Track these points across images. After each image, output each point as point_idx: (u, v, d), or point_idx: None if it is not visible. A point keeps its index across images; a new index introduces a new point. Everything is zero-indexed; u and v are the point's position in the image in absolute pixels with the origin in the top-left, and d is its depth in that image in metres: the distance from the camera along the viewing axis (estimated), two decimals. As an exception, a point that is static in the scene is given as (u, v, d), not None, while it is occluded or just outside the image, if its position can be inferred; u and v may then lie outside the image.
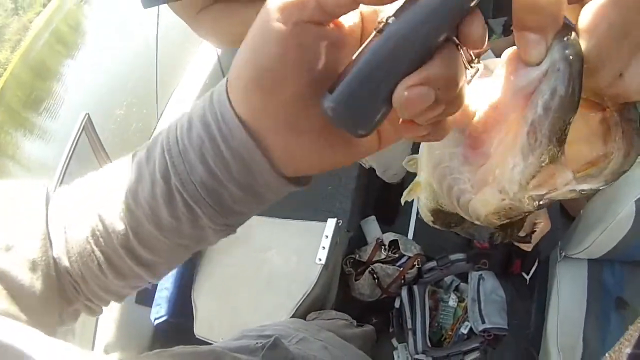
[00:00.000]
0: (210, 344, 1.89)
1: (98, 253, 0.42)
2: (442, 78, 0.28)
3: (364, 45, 0.30)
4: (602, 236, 1.63)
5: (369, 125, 0.31)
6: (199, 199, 0.37)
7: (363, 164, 2.09)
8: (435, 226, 0.50)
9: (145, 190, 0.38)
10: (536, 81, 0.30)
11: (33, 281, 0.41)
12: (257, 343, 0.66)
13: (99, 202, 0.42)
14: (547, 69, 0.29)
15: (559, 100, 0.29)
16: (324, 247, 1.82)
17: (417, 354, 1.97)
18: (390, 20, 0.28)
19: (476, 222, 0.39)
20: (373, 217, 2.40)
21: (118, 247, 0.41)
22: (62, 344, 0.37)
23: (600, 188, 0.35)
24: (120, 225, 0.40)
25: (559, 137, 0.31)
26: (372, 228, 2.38)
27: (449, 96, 0.29)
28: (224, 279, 2.02)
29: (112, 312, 2.06)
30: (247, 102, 0.33)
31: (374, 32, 0.29)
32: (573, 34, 0.29)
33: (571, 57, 0.29)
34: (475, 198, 0.37)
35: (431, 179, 0.42)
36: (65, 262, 0.42)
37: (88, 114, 2.07)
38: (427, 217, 0.49)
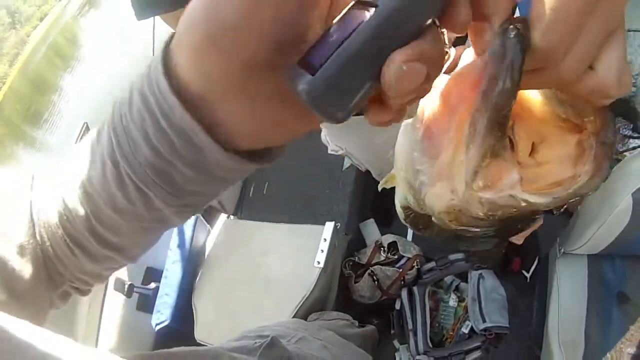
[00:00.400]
0: None
1: (67, 238, 0.41)
2: (434, 55, 0.27)
3: (344, 13, 0.27)
4: (600, 231, 1.61)
5: (350, 110, 0.28)
6: (148, 181, 0.35)
7: (359, 167, 2.10)
8: (407, 224, 0.48)
9: (97, 173, 0.36)
10: (480, 69, 0.30)
11: (22, 265, 0.40)
12: (255, 343, 0.66)
13: (64, 186, 0.40)
14: (489, 55, 0.29)
15: (496, 86, 0.28)
16: (322, 250, 1.84)
17: (419, 354, 1.97)
18: None
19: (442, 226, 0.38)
20: (372, 220, 2.40)
21: (84, 231, 0.40)
22: (65, 339, 0.36)
23: (550, 206, 0.34)
24: (81, 210, 0.39)
25: (499, 126, 0.29)
26: (371, 230, 2.38)
27: (435, 75, 0.28)
28: (223, 283, 2.04)
29: (113, 319, 2.08)
30: (198, 64, 0.29)
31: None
32: (523, 20, 0.28)
33: (509, 40, 0.27)
34: (429, 192, 0.35)
35: (400, 171, 0.40)
36: (42, 245, 0.42)
37: (86, 123, 2.10)
38: (400, 214, 0.47)
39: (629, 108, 2.25)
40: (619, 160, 2.25)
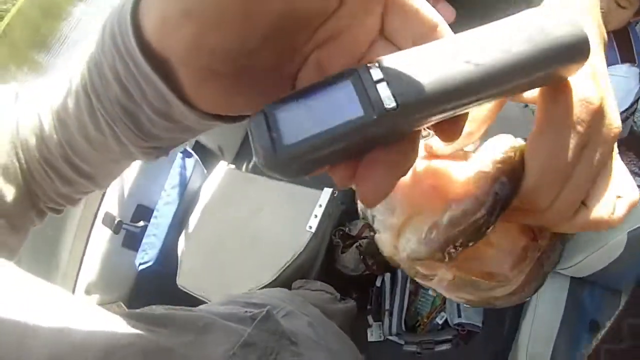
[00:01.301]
0: (192, 295, 1.86)
1: (42, 161, 0.41)
2: (405, 166, 0.27)
3: (334, 83, 0.25)
4: (589, 258, 1.64)
5: (304, 175, 0.27)
6: (116, 118, 0.34)
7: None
8: None
9: (72, 102, 0.36)
10: (466, 188, 0.32)
11: (5, 187, 0.41)
12: (245, 312, 0.65)
13: (43, 105, 0.40)
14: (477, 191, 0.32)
15: (466, 222, 0.31)
16: (316, 216, 1.81)
17: (391, 335, 2.00)
18: (382, 76, 0.24)
19: None
20: (370, 193, 2.36)
21: (58, 157, 0.40)
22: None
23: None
24: (55, 136, 0.39)
25: (450, 251, 0.32)
26: (367, 204, 2.34)
27: (399, 177, 0.28)
28: (212, 233, 2.01)
29: (97, 253, 2.06)
30: (162, 30, 0.28)
31: (358, 72, 0.24)
32: (516, 170, 0.30)
33: (498, 185, 0.30)
34: (378, 234, 0.40)
35: None
36: (20, 166, 0.42)
37: None
38: None
39: (640, 145, 2.28)
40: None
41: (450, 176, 0.34)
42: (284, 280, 1.77)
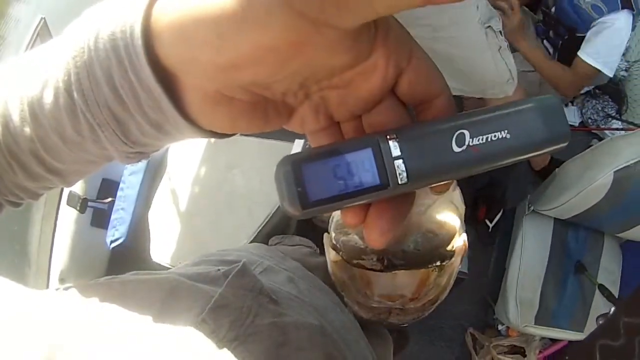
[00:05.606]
0: (170, 268, 1.79)
1: (7, 154, 0.38)
2: (408, 211, 0.32)
3: (359, 146, 0.29)
4: (574, 199, 1.67)
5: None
6: (103, 122, 0.33)
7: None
8: None
9: (49, 98, 0.33)
10: None
11: None
12: (218, 270, 0.58)
13: (11, 93, 0.36)
14: None
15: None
16: (289, 169, 1.71)
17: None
18: (400, 153, 0.28)
19: None
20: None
21: (27, 152, 0.37)
22: None
23: None
24: (27, 130, 0.36)
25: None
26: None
27: (401, 223, 0.31)
28: (183, 199, 1.90)
29: (67, 237, 1.94)
30: (181, 48, 0.27)
31: (379, 143, 0.28)
32: None
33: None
34: None
35: None
36: None
37: (44, 18, 1.85)
38: None
39: (618, 91, 2.38)
40: (597, 136, 2.40)
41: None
42: (262, 239, 1.67)
